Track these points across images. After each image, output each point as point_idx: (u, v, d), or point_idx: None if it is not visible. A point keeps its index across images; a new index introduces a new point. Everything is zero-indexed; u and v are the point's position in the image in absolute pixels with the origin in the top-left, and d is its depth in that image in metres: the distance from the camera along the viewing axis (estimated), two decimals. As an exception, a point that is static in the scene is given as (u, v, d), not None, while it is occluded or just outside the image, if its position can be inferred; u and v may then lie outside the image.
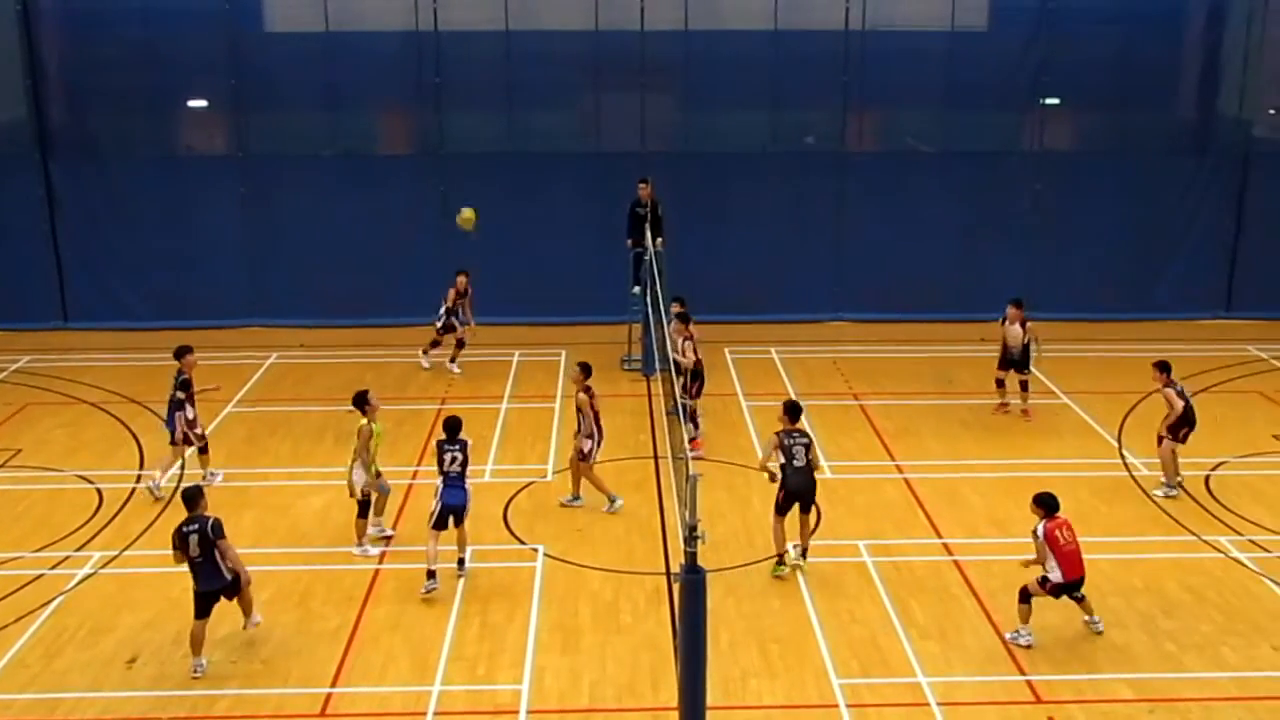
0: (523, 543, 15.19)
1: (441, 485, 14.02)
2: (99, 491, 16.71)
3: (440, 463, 14.05)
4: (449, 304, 21.30)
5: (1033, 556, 12.86)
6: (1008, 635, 12.96)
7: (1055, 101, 24.40)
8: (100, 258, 24.03)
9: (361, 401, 15.20)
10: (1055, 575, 12.68)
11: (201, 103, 24.49)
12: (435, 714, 11.73)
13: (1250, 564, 14.51)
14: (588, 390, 15.83)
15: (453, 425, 14.37)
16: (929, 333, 23.10)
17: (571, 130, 25.14)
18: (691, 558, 9.88)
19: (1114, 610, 13.46)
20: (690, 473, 9.89)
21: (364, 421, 14.97)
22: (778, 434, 14.20)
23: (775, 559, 14.30)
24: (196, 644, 12.35)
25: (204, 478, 16.74)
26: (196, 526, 12.21)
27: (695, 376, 18.02)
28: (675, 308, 18.23)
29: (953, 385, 20.76)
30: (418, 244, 23.92)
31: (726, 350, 22.48)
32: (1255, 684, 12.15)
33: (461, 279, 21.26)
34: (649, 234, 20.22)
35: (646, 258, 19.68)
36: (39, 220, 23.83)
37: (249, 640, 12.89)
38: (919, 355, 22.46)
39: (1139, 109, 24.66)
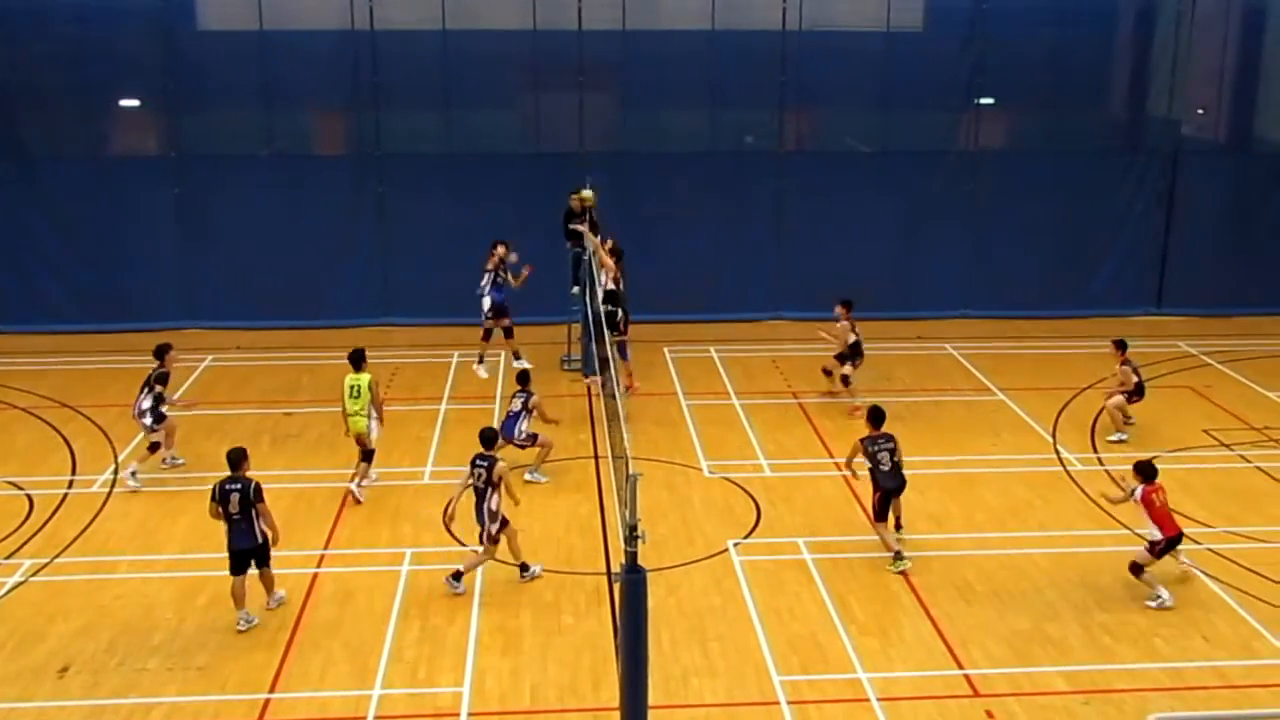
0: (463, 545, 15.08)
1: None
2: (29, 498, 16.38)
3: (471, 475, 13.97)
4: (490, 267, 20.11)
5: (1118, 495, 14.31)
6: (1148, 602, 13.62)
7: (990, 101, 24.69)
8: (30, 260, 23.57)
9: (360, 358, 16.37)
10: (1156, 534, 13.69)
11: (134, 102, 24.12)
12: (375, 718, 11.64)
13: (1182, 556, 14.75)
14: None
15: (487, 438, 14.33)
16: (867, 331, 23.09)
17: (510, 130, 25.05)
18: (632, 557, 9.87)
19: (1050, 604, 13.66)
20: (630, 472, 9.89)
21: (368, 375, 16.25)
22: (862, 441, 14.88)
23: (893, 556, 14.54)
24: (238, 599, 13.10)
25: (131, 473, 16.72)
26: (239, 486, 13.00)
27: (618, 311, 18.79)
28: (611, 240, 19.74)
29: (891, 382, 20.92)
30: (354, 245, 23.75)
31: (666, 349, 22.52)
32: (1188, 674, 12.36)
33: (501, 248, 20.09)
34: (587, 234, 20.19)
35: (585, 258, 19.66)
36: (-34, 222, 23.37)
37: (185, 647, 12.73)
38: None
39: (1072, 109, 25.05)
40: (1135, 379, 18.27)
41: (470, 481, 13.88)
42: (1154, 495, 13.75)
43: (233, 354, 22.58)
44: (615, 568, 13.52)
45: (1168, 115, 25.13)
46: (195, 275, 23.56)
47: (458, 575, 13.86)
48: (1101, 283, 24.87)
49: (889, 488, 14.67)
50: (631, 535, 9.81)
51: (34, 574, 14.33)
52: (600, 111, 24.47)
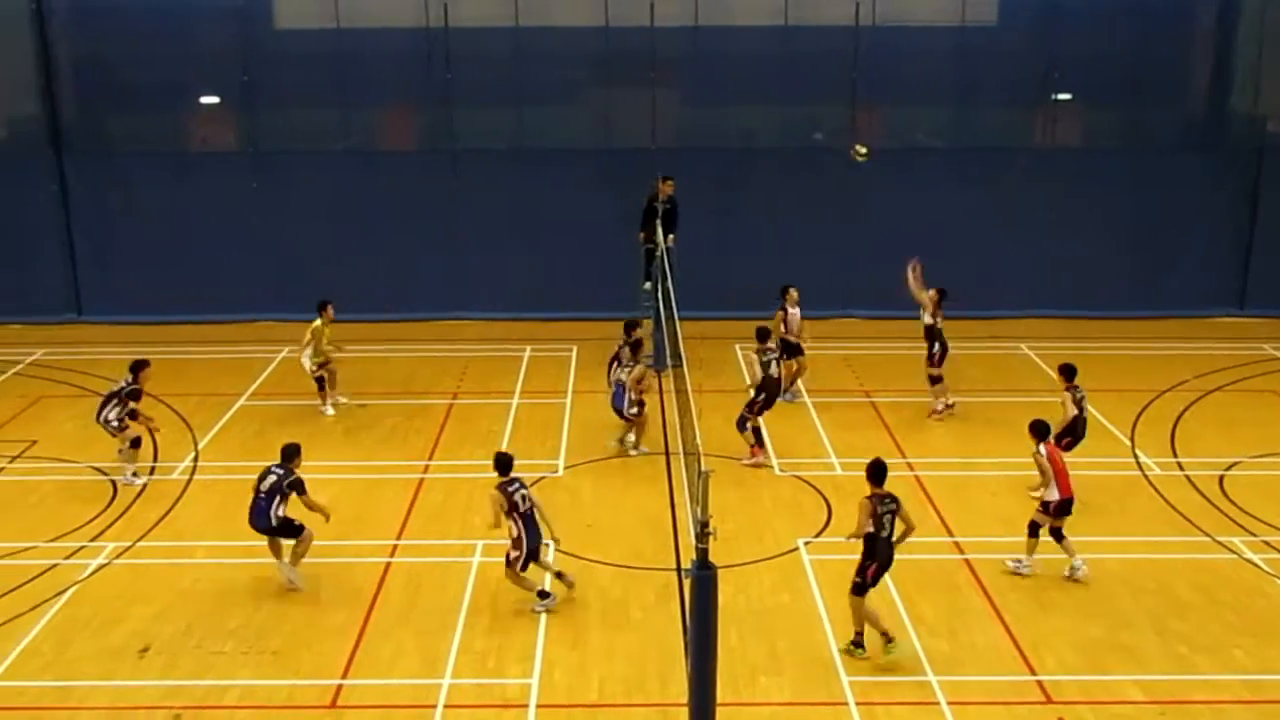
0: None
1: (523, 528, 13.22)
2: (113, 483, 16.78)
3: (514, 504, 13.20)
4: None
5: (1038, 483, 14.22)
6: (1009, 563, 14.21)
7: (1067, 97, 24.32)
8: (112, 252, 24.13)
9: (321, 307, 19.20)
10: (1054, 495, 13.89)
11: (213, 99, 24.54)
12: (444, 707, 11.75)
13: (1262, 564, 14.47)
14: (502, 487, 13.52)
15: (507, 462, 13.49)
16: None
17: (581, 126, 25.11)
18: (703, 554, 9.87)
19: (1124, 611, 13.44)
20: (701, 469, 9.88)
21: (317, 323, 19.09)
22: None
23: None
24: (274, 552, 14.07)
25: (132, 474, 16.87)
26: (279, 473, 13.75)
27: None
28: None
29: (963, 381, 20.67)
30: (427, 240, 23.99)
31: (737, 346, 22.47)
32: (1266, 687, 12.10)
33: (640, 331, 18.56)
34: (660, 230, 20.20)
35: (658, 254, 19.68)
36: (53, 215, 23.92)
37: (260, 631, 12.96)
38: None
39: (1151, 104, 24.55)
40: (1075, 411, 15.93)
41: (524, 509, 13.28)
42: (1054, 452, 14.04)
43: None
44: (685, 564, 13.55)
45: (1252, 111, 24.58)
46: (273, 269, 23.88)
47: (543, 594, 13.44)
48: (1181, 283, 24.38)
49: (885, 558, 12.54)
50: (702, 532, 9.80)
51: (116, 557, 14.68)
52: (671, 107, 24.50)
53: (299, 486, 13.71)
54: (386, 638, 12.93)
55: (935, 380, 19.13)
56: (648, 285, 20.86)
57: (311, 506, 13.81)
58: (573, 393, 20.30)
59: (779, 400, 18.10)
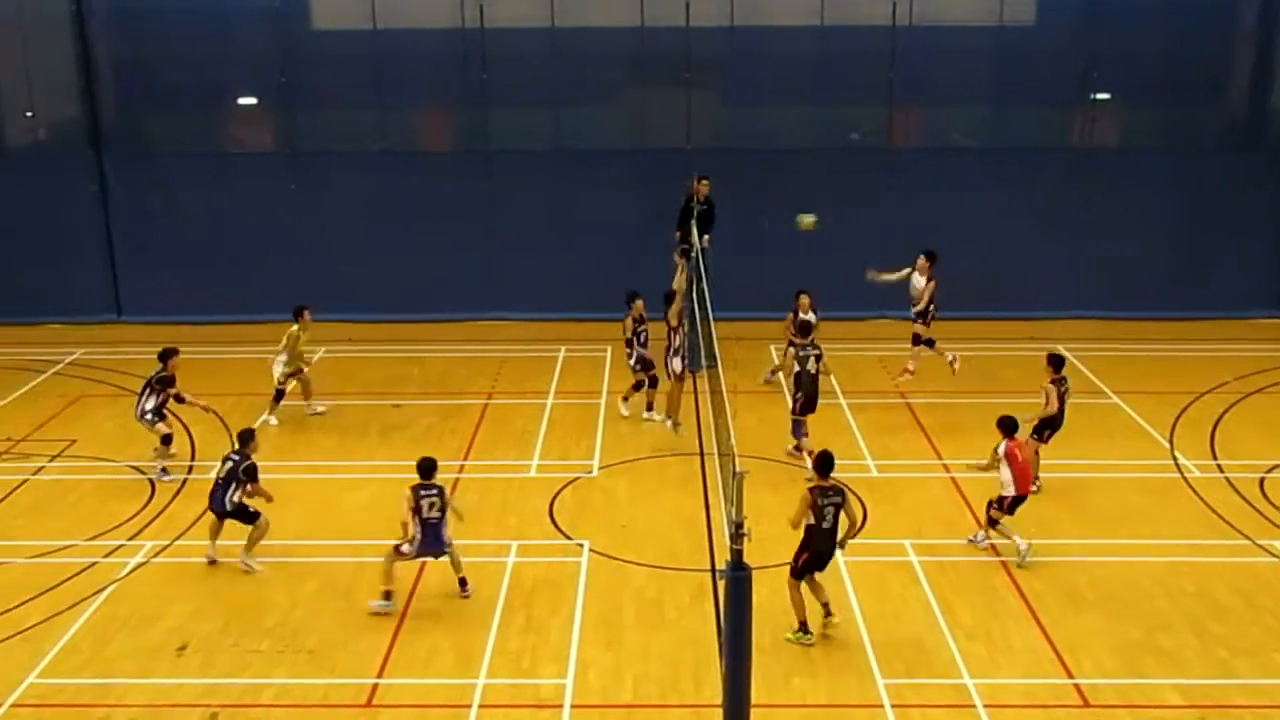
0: (568, 538, 15.23)
1: (420, 533, 13.32)
2: (151, 482, 16.93)
3: (418, 507, 13.30)
4: (628, 334, 18.94)
5: (985, 462, 14.83)
6: (1020, 544, 14.23)
7: (1105, 97, 24.12)
8: (151, 252, 24.35)
9: (298, 312, 18.87)
10: (1010, 490, 14.23)
11: (251, 100, 24.72)
12: (479, 706, 11.78)
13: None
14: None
15: (428, 467, 13.56)
16: (972, 330, 22.81)
17: (617, 127, 25.12)
18: (737, 555, 9.86)
19: (1162, 613, 13.32)
20: (736, 470, 9.86)
21: (294, 328, 18.73)
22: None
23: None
24: (211, 534, 14.55)
25: (161, 470, 17.18)
26: (234, 460, 14.31)
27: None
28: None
29: (998, 383, 20.52)
30: (463, 241, 24.06)
31: (772, 347, 22.41)
32: (1308, 690, 11.99)
33: (639, 304, 18.89)
34: (695, 230, 20.18)
35: (693, 254, 19.65)
36: (93, 215, 24.17)
37: (295, 630, 13.04)
38: (962, 352, 22.21)
39: (1190, 104, 24.32)
40: (1058, 404, 16.24)
41: (427, 515, 13.28)
42: (1016, 450, 14.18)
43: (344, 346, 23.00)
44: (720, 565, 13.53)
45: (1293, 110, 24.35)
46: (310, 269, 23.95)
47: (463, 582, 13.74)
48: (1221, 284, 24.14)
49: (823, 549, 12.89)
50: (737, 533, 9.80)
51: (154, 555, 14.82)
52: (707, 108, 24.45)
53: (252, 473, 14.27)
54: (422, 637, 12.98)
55: (930, 343, 19.65)
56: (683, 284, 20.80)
57: (254, 493, 14.33)
58: (607, 393, 20.30)
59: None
